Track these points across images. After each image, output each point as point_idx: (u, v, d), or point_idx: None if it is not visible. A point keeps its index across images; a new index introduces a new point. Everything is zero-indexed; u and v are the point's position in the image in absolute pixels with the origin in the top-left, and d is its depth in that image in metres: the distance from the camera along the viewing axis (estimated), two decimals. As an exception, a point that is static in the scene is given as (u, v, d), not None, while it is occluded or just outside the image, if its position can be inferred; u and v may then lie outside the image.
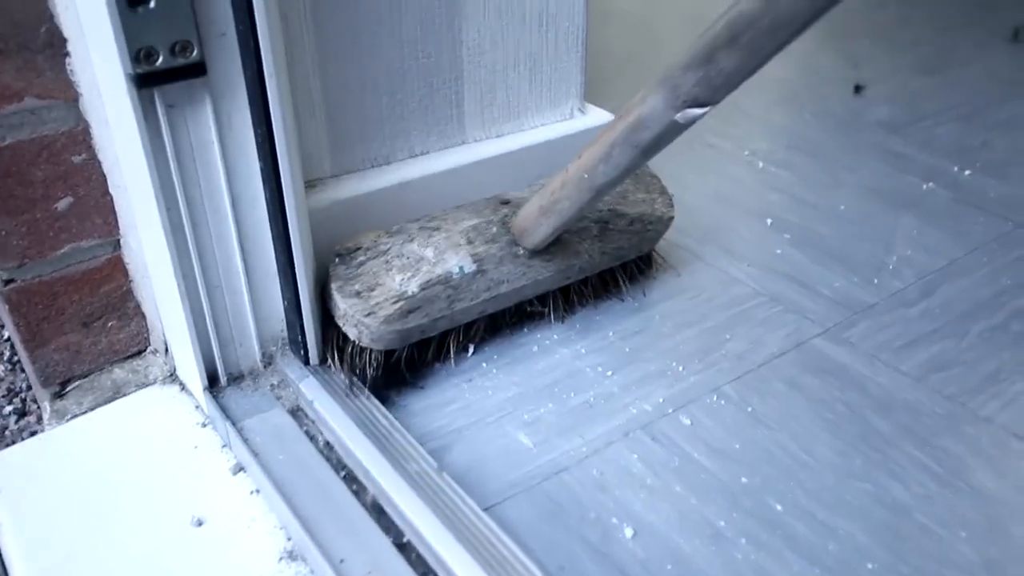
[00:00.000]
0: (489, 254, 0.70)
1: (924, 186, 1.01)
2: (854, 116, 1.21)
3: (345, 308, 0.65)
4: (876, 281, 0.83)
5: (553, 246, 0.72)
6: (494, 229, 0.71)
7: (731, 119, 1.20)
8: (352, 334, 0.66)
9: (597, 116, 0.84)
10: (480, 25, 0.74)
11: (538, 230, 0.69)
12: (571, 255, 0.74)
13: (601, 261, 0.77)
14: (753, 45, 0.49)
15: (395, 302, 0.65)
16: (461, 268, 0.67)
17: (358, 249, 0.68)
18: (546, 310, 0.77)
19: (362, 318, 0.64)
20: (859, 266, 0.86)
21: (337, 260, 0.67)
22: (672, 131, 0.56)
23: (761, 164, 1.07)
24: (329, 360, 0.69)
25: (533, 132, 0.81)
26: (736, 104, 1.24)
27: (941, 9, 1.67)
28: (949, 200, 0.98)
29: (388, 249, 0.68)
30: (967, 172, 1.04)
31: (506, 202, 0.74)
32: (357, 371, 0.68)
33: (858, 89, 1.30)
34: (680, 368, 0.72)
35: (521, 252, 0.71)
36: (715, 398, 0.69)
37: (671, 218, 0.80)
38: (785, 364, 0.73)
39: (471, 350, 0.74)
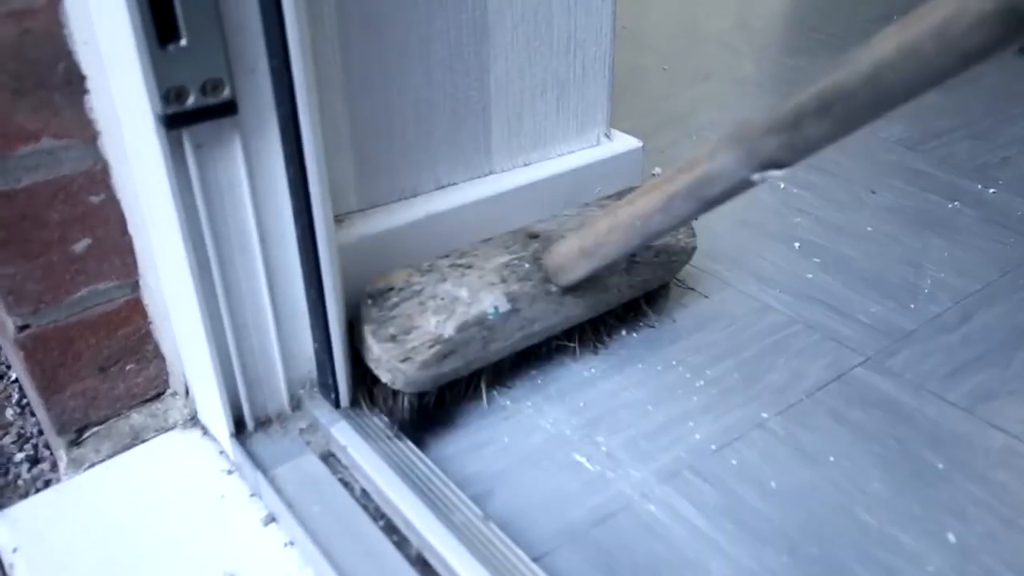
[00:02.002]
0: (523, 292, 0.68)
1: (949, 205, 1.00)
2: (869, 133, 1.20)
3: (379, 352, 0.62)
4: (913, 306, 0.81)
5: (584, 282, 0.70)
6: (526, 266, 0.69)
7: (746, 139, 1.18)
8: (386, 378, 0.63)
9: (624, 142, 0.83)
10: (508, 54, 0.72)
11: (576, 270, 0.67)
12: (601, 290, 0.72)
13: (627, 294, 0.75)
14: (847, 116, 0.47)
15: (431, 346, 0.63)
16: (496, 308, 0.65)
17: (390, 289, 0.65)
18: (573, 344, 0.75)
19: (398, 363, 0.62)
20: (893, 290, 0.84)
21: (369, 302, 0.65)
22: (742, 188, 0.55)
23: (782, 184, 1.05)
24: (361, 402, 0.66)
25: (560, 160, 0.79)
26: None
27: (944, 23, 1.66)
28: (976, 219, 0.97)
29: (421, 289, 0.66)
30: (991, 190, 1.03)
31: (534, 235, 0.72)
32: (388, 413, 0.66)
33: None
34: (722, 403, 0.70)
35: (554, 289, 0.69)
36: (761, 433, 0.67)
37: (694, 248, 0.79)
38: (829, 396, 0.71)
39: (502, 388, 0.72)
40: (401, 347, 0.62)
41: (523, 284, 0.68)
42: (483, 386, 0.71)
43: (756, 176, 0.52)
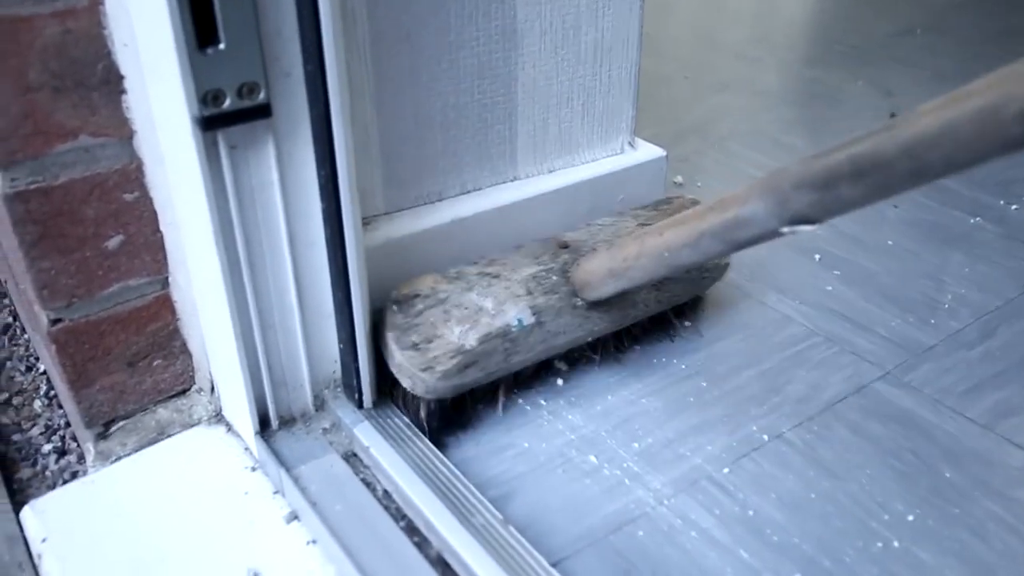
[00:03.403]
0: (548, 305, 0.68)
1: (971, 220, 1.00)
2: (891, 147, 1.20)
3: (401, 359, 0.63)
4: (933, 321, 0.82)
5: (612, 297, 0.70)
6: (553, 278, 0.69)
7: (767, 151, 1.18)
8: (407, 384, 0.64)
9: (647, 151, 0.83)
10: (536, 61, 0.72)
11: (603, 288, 0.67)
12: (628, 305, 0.72)
13: (655, 308, 0.75)
14: (882, 184, 0.46)
15: (453, 356, 0.63)
16: (520, 321, 0.66)
17: (416, 296, 0.66)
18: (596, 356, 0.75)
19: (418, 371, 0.62)
20: (914, 305, 0.84)
21: (395, 307, 0.65)
22: (771, 237, 0.55)
23: (803, 197, 1.05)
24: (384, 403, 0.67)
25: (585, 167, 0.80)
26: (770, 136, 1.23)
27: (966, 37, 1.66)
28: (998, 235, 0.97)
29: (447, 298, 0.66)
30: (1014, 207, 1.03)
31: (564, 245, 0.72)
32: (409, 415, 0.66)
33: (893, 117, 1.28)
34: (740, 413, 0.70)
35: (580, 303, 0.69)
36: (779, 445, 0.67)
37: (727, 265, 0.79)
38: (848, 409, 0.71)
39: (522, 391, 0.73)
40: (423, 356, 0.63)
41: (549, 297, 0.68)
42: (500, 394, 0.71)
43: (786, 229, 0.52)
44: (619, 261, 0.66)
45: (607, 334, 0.74)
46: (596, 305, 0.70)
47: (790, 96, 1.41)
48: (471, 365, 0.64)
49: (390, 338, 0.64)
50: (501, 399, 0.71)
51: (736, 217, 0.55)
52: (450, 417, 0.69)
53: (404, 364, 0.63)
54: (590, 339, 0.72)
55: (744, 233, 0.56)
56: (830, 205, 0.49)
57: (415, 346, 0.63)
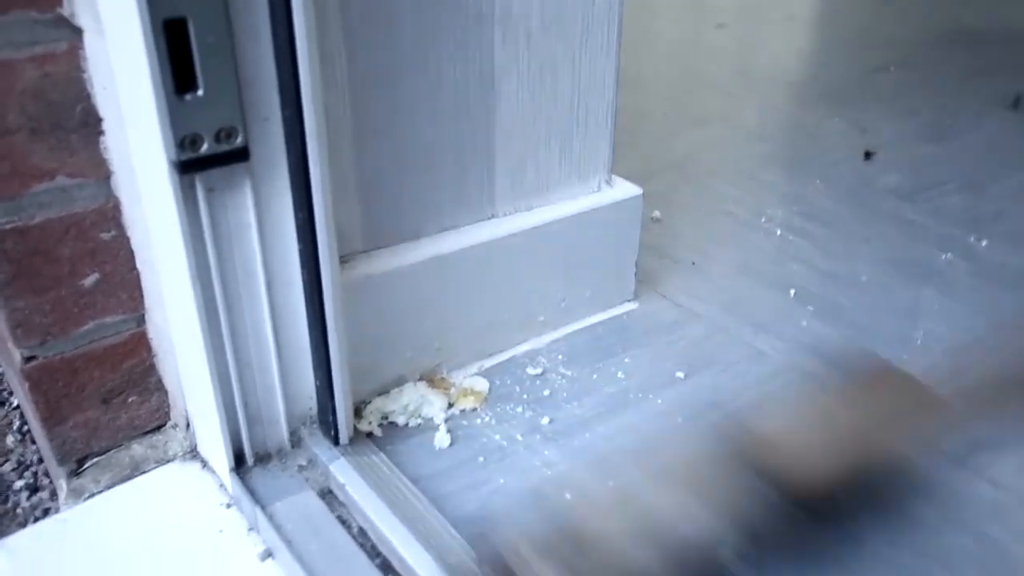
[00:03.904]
0: None
1: (942, 256, 1.01)
2: (864, 183, 1.22)
3: None
4: (906, 357, 0.83)
5: None
6: None
7: (745, 186, 1.20)
8: None
9: (624, 189, 0.84)
10: (514, 104, 0.74)
11: None
12: None
13: None
14: None
15: None
16: None
17: None
18: None
19: None
20: (887, 341, 0.85)
21: None
22: None
23: (779, 232, 1.07)
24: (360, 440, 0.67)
25: (562, 205, 0.81)
26: (748, 172, 1.25)
27: (940, 75, 1.70)
28: (968, 272, 0.98)
29: None
30: (984, 242, 1.04)
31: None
32: None
33: (868, 155, 1.31)
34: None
35: None
36: (753, 482, 0.68)
37: None
38: (820, 445, 0.72)
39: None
40: None
41: None
42: None
43: None
44: None
45: None
46: None
47: (768, 132, 1.43)
48: None
49: None
50: None
51: None
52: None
53: None
54: None
55: None
56: None
57: None
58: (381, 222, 0.72)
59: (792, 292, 0.94)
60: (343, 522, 0.63)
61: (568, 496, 0.63)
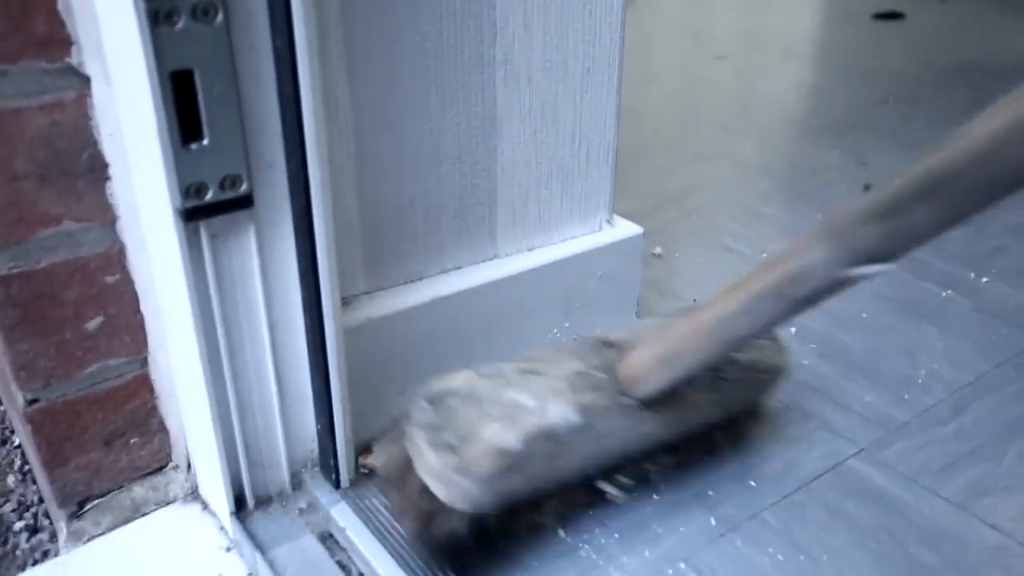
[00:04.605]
0: (595, 403, 0.61)
1: (943, 294, 1.02)
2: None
3: (435, 462, 0.57)
4: (907, 396, 0.83)
5: (665, 397, 0.64)
6: (599, 375, 0.63)
7: (745, 221, 1.21)
8: (441, 493, 0.57)
9: (625, 228, 0.85)
10: (516, 145, 0.74)
11: (653, 380, 0.61)
12: (683, 406, 0.66)
13: (714, 412, 0.70)
14: (956, 199, 0.44)
15: (493, 458, 0.58)
16: (566, 419, 0.60)
17: (448, 393, 0.61)
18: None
19: (455, 475, 0.57)
20: (888, 380, 0.85)
21: (425, 405, 0.60)
22: (835, 287, 0.51)
23: (779, 268, 1.07)
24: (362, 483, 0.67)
25: (563, 245, 0.81)
26: (749, 206, 1.25)
27: (941, 108, 1.71)
28: (969, 309, 0.98)
29: (483, 395, 0.60)
30: (984, 279, 1.05)
31: (609, 344, 0.66)
32: (439, 536, 0.60)
33: (867, 189, 1.31)
34: (713, 492, 0.71)
35: (630, 403, 0.63)
36: (755, 525, 0.67)
37: (784, 367, 0.74)
38: (823, 487, 0.71)
39: (568, 517, 0.67)
40: (459, 458, 0.57)
41: (596, 394, 0.62)
42: (541, 513, 0.65)
43: (854, 272, 0.48)
44: (669, 345, 0.60)
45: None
46: (648, 406, 0.64)
47: (769, 166, 1.44)
48: (514, 468, 0.58)
49: (420, 438, 0.58)
50: (540, 520, 0.64)
51: (797, 270, 0.50)
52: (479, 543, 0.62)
53: (438, 467, 0.57)
54: (643, 446, 0.66)
55: (804, 287, 0.50)
56: (904, 233, 0.46)
57: (450, 447, 0.57)
58: (384, 264, 0.72)
59: (793, 330, 0.94)
60: (343, 567, 0.62)
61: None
